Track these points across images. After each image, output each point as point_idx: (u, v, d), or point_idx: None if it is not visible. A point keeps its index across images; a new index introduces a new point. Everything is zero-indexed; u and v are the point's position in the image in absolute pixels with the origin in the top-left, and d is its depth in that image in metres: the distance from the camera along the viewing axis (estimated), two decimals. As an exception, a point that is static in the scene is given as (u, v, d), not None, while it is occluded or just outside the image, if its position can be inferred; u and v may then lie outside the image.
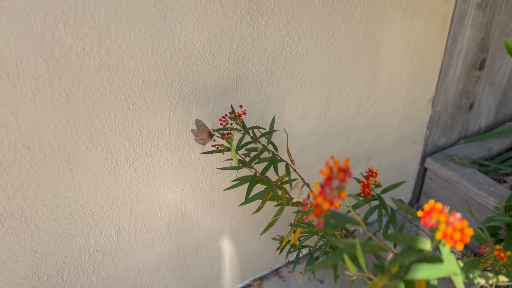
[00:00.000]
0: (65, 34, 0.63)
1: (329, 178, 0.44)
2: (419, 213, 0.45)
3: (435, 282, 0.50)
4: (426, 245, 0.48)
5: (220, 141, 0.84)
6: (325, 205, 0.43)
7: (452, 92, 1.27)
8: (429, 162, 1.32)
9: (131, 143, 0.78)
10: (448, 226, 0.43)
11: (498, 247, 0.70)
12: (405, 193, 1.40)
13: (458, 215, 0.44)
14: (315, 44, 0.91)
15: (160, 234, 0.90)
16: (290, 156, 0.93)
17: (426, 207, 0.45)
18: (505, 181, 1.35)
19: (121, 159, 0.78)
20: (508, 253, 0.70)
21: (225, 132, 0.78)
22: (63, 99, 0.68)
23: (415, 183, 1.40)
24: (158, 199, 0.86)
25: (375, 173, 0.99)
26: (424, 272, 0.47)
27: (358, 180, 1.00)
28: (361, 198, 1.01)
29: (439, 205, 0.44)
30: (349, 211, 1.02)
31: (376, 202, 1.36)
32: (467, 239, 0.43)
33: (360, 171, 1.20)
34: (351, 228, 1.00)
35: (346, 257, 0.52)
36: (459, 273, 0.47)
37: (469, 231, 0.43)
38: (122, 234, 0.85)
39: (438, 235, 0.43)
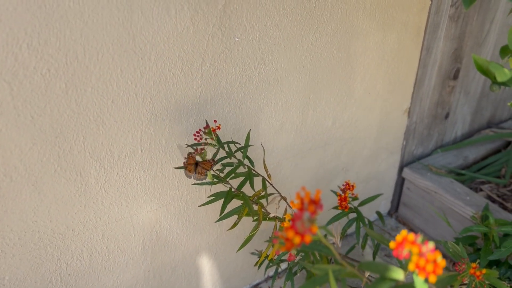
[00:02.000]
0: (29, 56, 0.61)
1: (300, 211, 0.43)
2: (391, 245, 0.44)
3: None
4: (399, 275, 0.47)
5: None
6: (296, 240, 0.42)
7: (427, 103, 1.28)
8: (406, 172, 1.33)
9: (102, 164, 0.76)
10: (420, 258, 0.43)
11: (473, 265, 0.70)
12: (383, 204, 1.41)
13: (431, 245, 0.43)
14: (289, 59, 0.90)
15: (135, 255, 0.88)
16: (266, 171, 0.92)
17: (399, 238, 0.44)
18: (481, 190, 1.36)
19: (91, 181, 0.76)
20: (484, 271, 0.70)
21: (198, 147, 0.77)
22: (29, 122, 0.65)
23: (393, 193, 1.40)
24: (131, 220, 0.84)
25: (352, 186, 0.98)
26: (397, 302, 0.46)
27: (336, 193, 0.99)
28: (338, 211, 1.01)
29: (411, 236, 0.43)
30: (330, 222, 1.02)
31: (354, 215, 1.36)
32: (440, 271, 0.42)
33: (338, 184, 1.20)
34: (330, 241, 1.00)
35: (318, 288, 0.51)
36: (432, 303, 0.47)
37: (442, 263, 0.42)
38: (95, 257, 0.83)
39: (411, 267, 0.43)
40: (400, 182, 1.38)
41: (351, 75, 1.04)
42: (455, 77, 1.31)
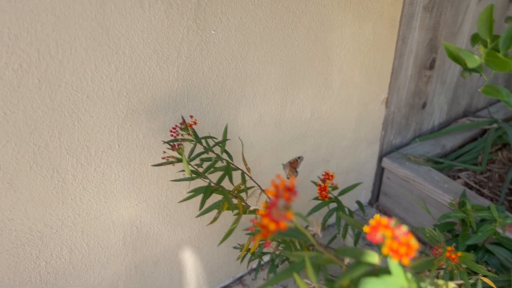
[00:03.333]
0: (-1, 51, 0.60)
1: (275, 198, 0.43)
2: (365, 229, 0.45)
3: None
4: (374, 258, 0.48)
5: (170, 152, 0.82)
6: (272, 226, 0.42)
7: (404, 93, 1.30)
8: (385, 162, 1.35)
9: (79, 160, 0.75)
10: (394, 241, 0.43)
11: (449, 248, 0.72)
12: (364, 193, 1.42)
13: (404, 228, 0.44)
14: (266, 52, 0.90)
15: (116, 251, 0.88)
16: (245, 164, 0.92)
17: (372, 222, 0.45)
18: (459, 177, 1.39)
19: (68, 178, 0.75)
20: (459, 253, 0.71)
21: (175, 143, 0.77)
22: (1, 119, 0.64)
23: (373, 183, 1.42)
24: (111, 216, 0.84)
25: (332, 176, 0.99)
26: (372, 285, 0.47)
27: (316, 183, 1.00)
28: (319, 201, 1.02)
29: (384, 220, 0.44)
30: (311, 212, 1.02)
31: (335, 205, 1.37)
32: (412, 253, 0.43)
33: (318, 175, 1.21)
34: (311, 232, 1.00)
35: (296, 276, 0.51)
36: (406, 287, 0.47)
37: (415, 245, 0.43)
38: (74, 254, 0.82)
39: (385, 250, 0.43)
40: (380, 172, 1.40)
41: (328, 67, 1.05)
42: (431, 67, 1.33)
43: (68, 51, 0.66)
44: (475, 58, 0.63)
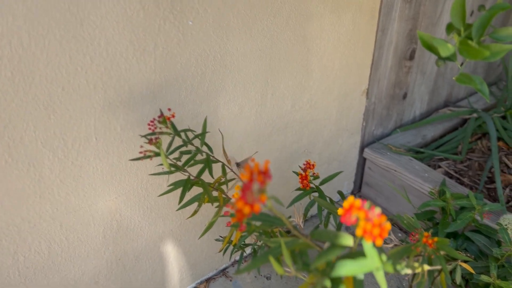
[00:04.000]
0: (-31, 43, 0.59)
1: (249, 181, 0.43)
2: (339, 211, 0.46)
3: (361, 277, 0.51)
4: (349, 241, 0.48)
5: (148, 146, 0.82)
6: (246, 210, 0.43)
7: (385, 83, 1.30)
8: (367, 153, 1.36)
9: (55, 153, 0.74)
10: (367, 222, 0.44)
11: (426, 234, 0.73)
12: (346, 184, 1.43)
13: (378, 210, 0.44)
14: (244, 42, 0.90)
15: (96, 245, 0.87)
16: (226, 157, 0.92)
17: (346, 204, 0.45)
18: (439, 167, 1.40)
19: (45, 171, 0.74)
20: (436, 239, 0.72)
21: (152, 137, 0.76)
22: (-26, 112, 0.63)
23: (355, 173, 1.43)
24: (90, 210, 0.83)
25: (313, 165, 1.00)
26: (348, 268, 0.47)
27: (297, 173, 1.00)
28: (301, 191, 1.03)
29: (358, 202, 0.45)
30: (292, 202, 1.03)
31: (317, 195, 1.38)
32: (385, 234, 0.43)
33: (300, 165, 1.21)
34: (293, 223, 1.01)
35: (271, 259, 0.52)
36: (381, 268, 0.48)
37: (387, 226, 0.43)
38: (53, 249, 0.82)
39: (359, 232, 0.44)
40: (362, 162, 1.41)
41: (308, 58, 1.05)
42: (411, 57, 1.34)
43: (41, 43, 0.65)
44: (448, 47, 0.63)
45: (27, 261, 0.79)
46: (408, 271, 0.58)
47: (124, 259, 0.93)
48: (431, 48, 0.66)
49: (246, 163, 0.88)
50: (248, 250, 1.18)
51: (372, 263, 0.47)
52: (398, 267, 0.58)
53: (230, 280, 1.14)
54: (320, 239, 0.51)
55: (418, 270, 0.57)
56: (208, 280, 1.14)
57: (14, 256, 0.77)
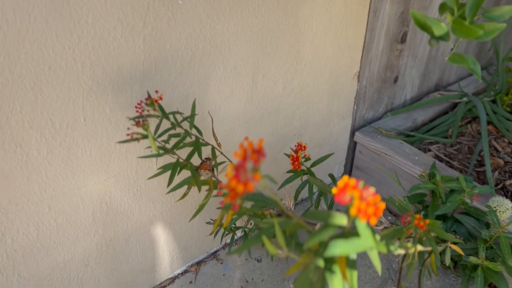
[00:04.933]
0: (-49, 19, 0.57)
1: (243, 160, 0.43)
2: (334, 190, 0.45)
3: (354, 257, 0.51)
4: (343, 220, 0.48)
5: (135, 129, 0.81)
6: (240, 188, 0.42)
7: (376, 66, 1.30)
8: (358, 136, 1.36)
9: (43, 134, 0.73)
10: (362, 202, 0.43)
11: (418, 216, 0.73)
12: (337, 167, 1.43)
13: (372, 189, 0.44)
14: (235, 23, 0.89)
15: (85, 228, 0.86)
16: (216, 139, 0.91)
17: (340, 183, 0.45)
18: (430, 150, 1.41)
19: (33, 153, 0.73)
20: (427, 221, 0.72)
21: (139, 119, 0.75)
22: (-43, 91, 0.62)
23: (346, 157, 1.43)
24: (79, 192, 0.82)
25: (304, 146, 0.99)
26: (341, 248, 0.47)
27: (288, 155, 1.00)
28: (292, 173, 1.02)
29: (352, 181, 0.44)
30: (284, 184, 1.03)
31: (307, 177, 1.38)
32: (380, 213, 0.43)
33: (291, 147, 1.21)
34: (284, 205, 1.01)
35: (265, 239, 0.51)
36: (375, 247, 0.48)
37: (382, 205, 0.43)
38: (42, 231, 0.81)
39: (353, 211, 0.43)
40: (353, 146, 1.41)
41: (299, 39, 1.04)
42: (403, 40, 1.33)
43: (26, 20, 0.63)
44: (442, 26, 0.63)
45: (15, 244, 0.78)
46: (401, 251, 0.58)
47: (114, 242, 0.93)
48: (425, 27, 0.65)
49: (204, 165, 0.87)
50: (239, 233, 1.18)
51: (366, 242, 0.46)
52: (392, 247, 0.58)
53: (221, 263, 1.14)
54: (313, 219, 0.50)
55: (412, 251, 0.57)
56: (199, 263, 1.14)
57: (1, 238, 0.76)
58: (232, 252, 0.53)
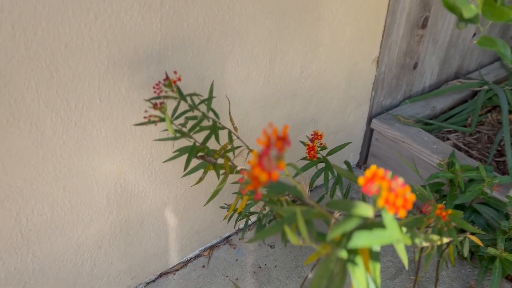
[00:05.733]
0: (-34, -7, 0.56)
1: (266, 147, 0.41)
2: (360, 181, 0.43)
3: (378, 249, 0.49)
4: (368, 212, 0.46)
5: (152, 111, 0.79)
6: (263, 177, 0.40)
7: (396, 52, 1.27)
8: (375, 123, 1.33)
9: (58, 114, 0.72)
10: (390, 193, 0.41)
11: (440, 206, 0.71)
12: (353, 155, 1.41)
13: (401, 180, 0.42)
14: (253, 4, 0.86)
15: (99, 209, 0.86)
16: (233, 123, 0.90)
17: (368, 173, 0.43)
18: (448, 139, 1.38)
19: (48, 132, 0.72)
20: (449, 211, 0.70)
21: (157, 101, 0.73)
22: (-27, 68, 0.61)
23: (362, 144, 1.41)
24: (93, 173, 0.81)
25: (320, 135, 0.98)
26: (366, 239, 0.45)
27: (304, 143, 0.98)
28: (307, 161, 1.01)
29: (381, 171, 0.42)
30: (295, 176, 1.01)
31: (323, 165, 1.36)
32: (409, 206, 0.41)
33: (307, 135, 1.19)
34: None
35: (287, 228, 0.50)
36: (402, 240, 0.46)
37: (412, 197, 0.41)
38: (56, 211, 0.80)
39: (380, 203, 0.41)
40: (369, 133, 1.39)
41: (319, 22, 1.01)
42: (424, 25, 1.29)
43: (42, -4, 0.62)
44: (472, 8, 0.60)
45: (30, 224, 0.78)
46: (426, 244, 0.56)
47: (128, 224, 0.92)
48: (453, 9, 0.62)
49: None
50: (253, 219, 1.17)
51: (392, 234, 0.44)
52: (417, 240, 0.56)
53: (234, 248, 1.14)
54: (337, 209, 0.49)
55: (438, 243, 0.55)
56: (211, 248, 1.13)
57: (16, 218, 0.76)
58: (251, 240, 0.52)
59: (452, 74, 1.59)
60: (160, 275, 1.06)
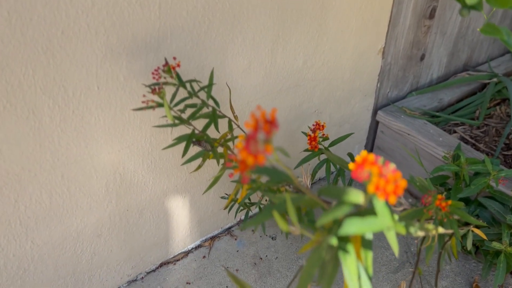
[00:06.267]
0: (-40, -23, 0.56)
1: (254, 131, 0.40)
2: (351, 166, 0.42)
3: (370, 237, 0.48)
4: (359, 198, 0.45)
5: (151, 96, 0.79)
6: (250, 160, 0.39)
7: (402, 43, 1.25)
8: (380, 115, 1.31)
9: (55, 101, 0.72)
10: (380, 178, 0.40)
11: (440, 196, 0.69)
12: (357, 147, 1.40)
13: (392, 166, 0.41)
14: (255, -9, 0.85)
15: (98, 198, 0.86)
16: (233, 112, 0.89)
17: (358, 159, 0.41)
18: (455, 132, 1.36)
19: (45, 119, 0.72)
20: (449, 202, 0.69)
21: (156, 86, 0.73)
22: (-32, 53, 0.61)
23: (367, 136, 1.39)
24: (92, 161, 0.81)
25: (322, 126, 0.96)
26: (356, 226, 0.44)
27: (306, 134, 0.97)
28: (309, 152, 1.00)
29: (371, 157, 0.41)
30: (300, 163, 1.00)
31: (325, 157, 1.35)
32: (400, 191, 0.40)
33: (309, 126, 1.17)
34: (301, 183, 0.98)
35: (275, 213, 0.49)
36: (392, 228, 0.45)
37: (403, 183, 0.40)
38: (55, 199, 0.80)
39: (370, 188, 0.40)
40: (374, 126, 1.37)
41: (322, 11, 0.99)
42: (431, 16, 1.27)
43: (38, -19, 0.62)
44: (475, -7, 0.59)
45: (28, 211, 0.78)
46: (421, 234, 0.55)
47: (127, 213, 0.92)
48: (456, -5, 0.61)
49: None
50: (255, 210, 1.16)
51: (383, 222, 0.43)
52: (411, 229, 0.55)
53: (235, 239, 1.13)
54: (327, 195, 0.48)
55: (433, 233, 0.54)
56: (213, 238, 1.13)
57: (15, 205, 0.76)
58: (244, 226, 0.51)
59: (460, 66, 1.56)
60: (161, 265, 1.06)
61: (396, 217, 0.48)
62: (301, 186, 0.51)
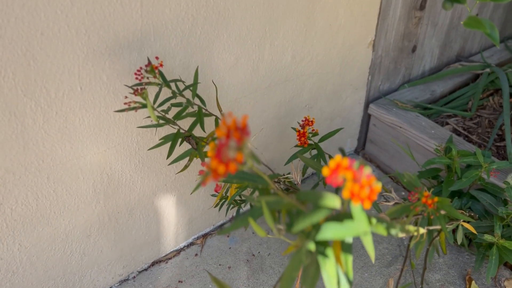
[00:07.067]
0: None
1: (226, 138, 0.39)
2: (325, 171, 0.41)
3: (350, 241, 0.47)
4: (335, 203, 0.44)
5: (134, 97, 0.78)
6: (221, 169, 0.38)
7: (393, 35, 1.24)
8: (372, 108, 1.31)
9: (38, 103, 0.71)
10: (355, 184, 0.40)
11: (426, 193, 0.69)
12: (350, 141, 1.39)
13: (367, 170, 0.40)
14: (239, -13, 0.84)
15: (86, 199, 0.85)
16: (220, 110, 0.88)
17: (332, 163, 0.41)
18: (447, 123, 1.35)
19: (28, 121, 0.71)
20: (436, 199, 0.68)
21: (138, 87, 0.72)
22: None
23: (360, 130, 1.39)
24: (78, 162, 0.80)
25: (311, 121, 0.96)
26: (333, 231, 0.43)
27: (295, 130, 0.97)
28: (299, 148, 0.99)
29: (345, 161, 0.40)
30: (290, 160, 0.99)
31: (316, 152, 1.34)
32: (374, 197, 0.39)
33: (298, 122, 1.17)
34: (291, 180, 0.98)
35: (251, 221, 0.48)
36: (369, 233, 0.44)
37: (377, 188, 0.39)
38: (41, 201, 0.80)
39: (345, 194, 0.40)
40: (366, 119, 1.36)
41: (309, 5, 0.98)
42: (422, 7, 1.26)
43: (14, -18, 0.61)
44: (458, -14, 0.58)
45: (15, 213, 0.77)
46: (402, 235, 0.54)
47: (116, 213, 0.92)
48: (438, -11, 0.60)
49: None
50: (246, 207, 1.16)
51: (359, 226, 0.43)
52: (392, 230, 0.54)
53: (227, 236, 1.13)
54: (306, 200, 0.47)
55: (415, 234, 0.54)
56: (205, 236, 1.12)
57: (0, 208, 0.75)
58: (220, 232, 0.51)
59: (453, 57, 1.55)
60: (153, 264, 1.05)
61: (374, 220, 0.47)
62: (279, 190, 0.51)
